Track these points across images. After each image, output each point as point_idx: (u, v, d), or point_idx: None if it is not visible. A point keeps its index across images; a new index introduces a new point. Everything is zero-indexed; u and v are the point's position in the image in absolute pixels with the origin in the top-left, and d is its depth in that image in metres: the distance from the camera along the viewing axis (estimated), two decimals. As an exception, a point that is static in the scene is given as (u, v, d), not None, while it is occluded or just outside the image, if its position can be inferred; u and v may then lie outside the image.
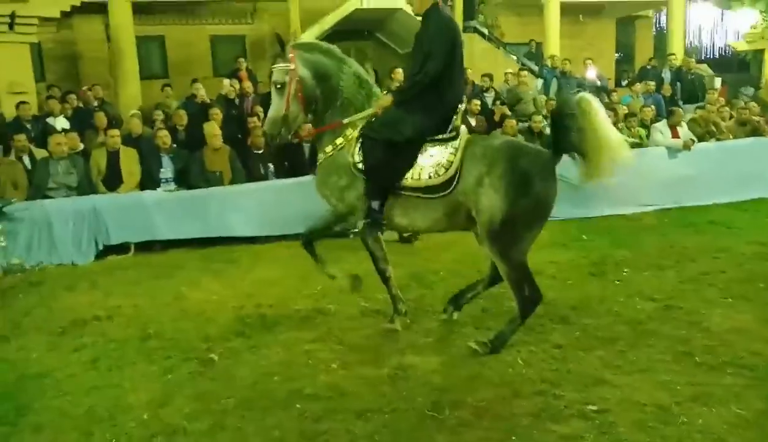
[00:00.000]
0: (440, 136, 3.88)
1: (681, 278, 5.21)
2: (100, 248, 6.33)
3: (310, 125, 4.45)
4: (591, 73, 11.34)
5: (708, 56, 19.81)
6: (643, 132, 8.23)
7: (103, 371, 3.82)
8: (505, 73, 11.30)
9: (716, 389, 3.30)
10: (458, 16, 14.21)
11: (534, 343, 4.00)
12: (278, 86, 3.96)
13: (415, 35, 4.00)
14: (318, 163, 4.15)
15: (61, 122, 7.88)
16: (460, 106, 4.08)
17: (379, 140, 3.83)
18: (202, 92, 8.72)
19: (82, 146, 7.14)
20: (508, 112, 8.44)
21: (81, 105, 8.55)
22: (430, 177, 3.79)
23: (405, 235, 6.34)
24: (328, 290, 5.06)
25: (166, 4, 11.67)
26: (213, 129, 7.06)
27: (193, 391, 3.50)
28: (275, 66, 4.03)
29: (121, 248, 6.48)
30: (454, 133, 3.91)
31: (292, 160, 7.26)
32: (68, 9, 8.34)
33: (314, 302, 4.90)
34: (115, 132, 6.88)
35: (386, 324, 4.25)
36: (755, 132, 8.37)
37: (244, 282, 5.45)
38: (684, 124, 8.03)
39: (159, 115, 8.47)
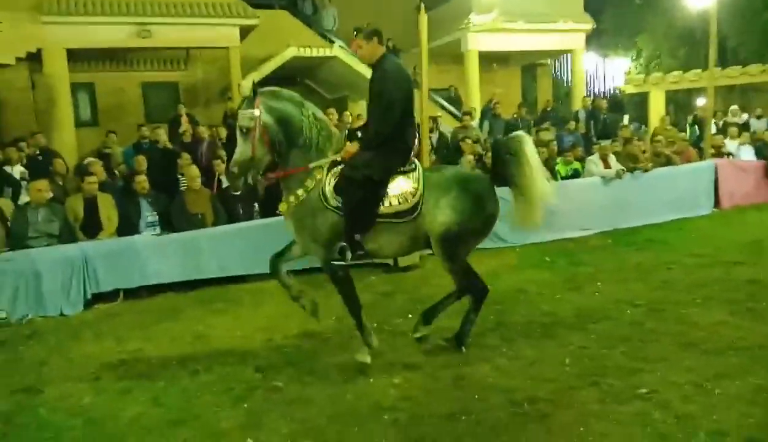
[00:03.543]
0: (402, 169, 4.36)
1: (649, 287, 5.95)
2: (89, 296, 6.14)
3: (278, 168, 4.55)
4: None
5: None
6: (579, 165, 9.20)
7: (170, 407, 3.85)
8: (430, 117, 12.11)
9: (728, 367, 3.95)
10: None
11: (559, 346, 4.52)
12: (244, 131, 4.19)
13: (370, 82, 4.38)
14: (289, 207, 4.34)
15: (18, 170, 7.56)
16: (416, 141, 4.58)
17: (358, 179, 4.21)
18: (163, 138, 8.67)
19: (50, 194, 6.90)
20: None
21: (33, 153, 8.21)
22: (399, 203, 4.27)
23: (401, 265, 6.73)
24: (344, 318, 5.32)
25: (96, 52, 11.43)
26: (193, 172, 7.11)
27: (279, 414, 3.65)
28: (241, 111, 4.25)
29: (107, 296, 6.32)
30: (413, 165, 4.41)
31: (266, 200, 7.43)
32: (24, 55, 8.08)
33: (337, 329, 5.13)
34: (92, 178, 6.74)
35: (356, 356, 4.32)
36: (668, 162, 9.61)
37: (258, 318, 5.55)
38: (613, 155, 9.08)
39: (90, 161, 8.29)
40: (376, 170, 4.21)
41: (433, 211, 4.27)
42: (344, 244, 4.28)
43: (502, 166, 4.48)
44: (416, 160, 4.48)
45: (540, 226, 4.60)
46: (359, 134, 4.53)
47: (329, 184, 4.27)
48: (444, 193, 4.29)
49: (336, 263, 4.32)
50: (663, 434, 3.20)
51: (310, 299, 4.55)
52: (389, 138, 4.25)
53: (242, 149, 4.21)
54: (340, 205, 4.23)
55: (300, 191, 4.28)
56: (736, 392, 3.59)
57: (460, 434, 3.31)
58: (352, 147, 4.31)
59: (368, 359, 4.31)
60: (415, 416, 3.54)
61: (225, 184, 7.63)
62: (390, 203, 4.27)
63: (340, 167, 4.28)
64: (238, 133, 4.24)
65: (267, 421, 3.57)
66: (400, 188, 4.28)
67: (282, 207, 4.40)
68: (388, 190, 4.27)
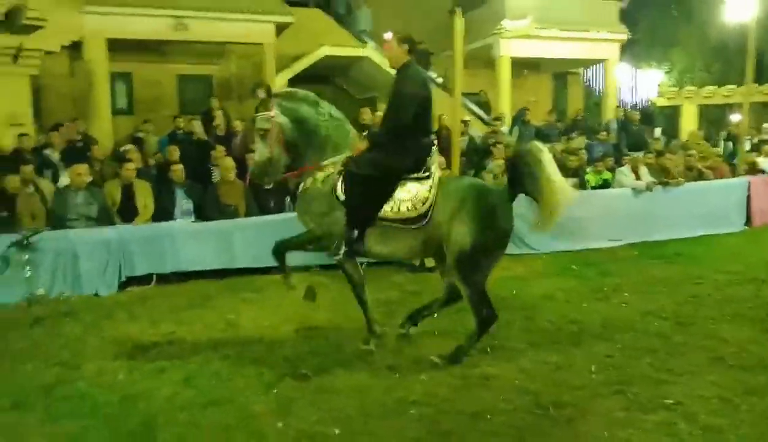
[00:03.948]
0: (416, 175, 4.39)
1: (676, 300, 5.92)
2: (123, 278, 6.31)
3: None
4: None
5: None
6: (609, 175, 9.17)
7: (203, 388, 3.96)
8: (462, 121, 12.16)
9: (756, 384, 3.94)
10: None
11: (585, 354, 4.54)
12: (261, 133, 4.34)
13: (392, 86, 4.44)
14: (299, 192, 4.54)
15: (55, 156, 7.78)
16: (432, 149, 4.55)
17: (361, 175, 4.29)
18: (199, 129, 8.84)
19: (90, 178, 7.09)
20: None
21: (74, 138, 8.44)
22: (408, 210, 4.30)
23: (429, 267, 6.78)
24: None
25: (134, 42, 11.66)
26: (228, 163, 7.25)
27: (308, 401, 3.74)
28: (258, 115, 4.38)
29: (141, 280, 6.49)
30: (428, 173, 4.41)
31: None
32: (68, 43, 8.33)
33: (362, 322, 5.20)
34: (130, 165, 6.92)
35: (362, 345, 4.53)
36: (701, 177, 9.54)
37: (286, 309, 5.63)
38: (644, 167, 9.03)
39: (128, 148, 8.51)
40: (377, 169, 4.28)
41: (448, 223, 4.25)
42: (341, 238, 4.37)
43: (520, 178, 4.40)
44: (433, 168, 4.48)
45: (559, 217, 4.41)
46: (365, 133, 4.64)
47: (340, 177, 4.36)
48: (460, 206, 4.26)
49: (334, 257, 4.43)
50: (688, 444, 3.23)
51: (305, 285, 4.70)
52: (398, 139, 4.30)
53: (260, 151, 4.36)
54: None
55: (310, 180, 4.41)
56: (764, 409, 3.59)
57: (485, 432, 3.36)
58: (362, 144, 4.41)
59: (373, 348, 4.47)
60: (441, 412, 3.60)
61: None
62: (399, 208, 4.29)
63: None
64: (255, 135, 4.38)
65: (296, 408, 3.66)
66: (410, 194, 4.30)
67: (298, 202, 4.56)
68: (397, 195, 4.30)
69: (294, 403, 3.73)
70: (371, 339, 4.59)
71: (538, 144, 4.47)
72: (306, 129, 4.37)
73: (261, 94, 4.42)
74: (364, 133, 4.80)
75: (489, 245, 4.29)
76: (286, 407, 3.67)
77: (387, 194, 4.30)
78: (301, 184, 4.51)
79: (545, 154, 4.33)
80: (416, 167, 4.38)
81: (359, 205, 4.28)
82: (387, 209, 4.30)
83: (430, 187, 4.32)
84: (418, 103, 4.31)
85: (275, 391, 3.90)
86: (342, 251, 4.38)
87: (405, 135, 4.31)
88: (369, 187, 4.26)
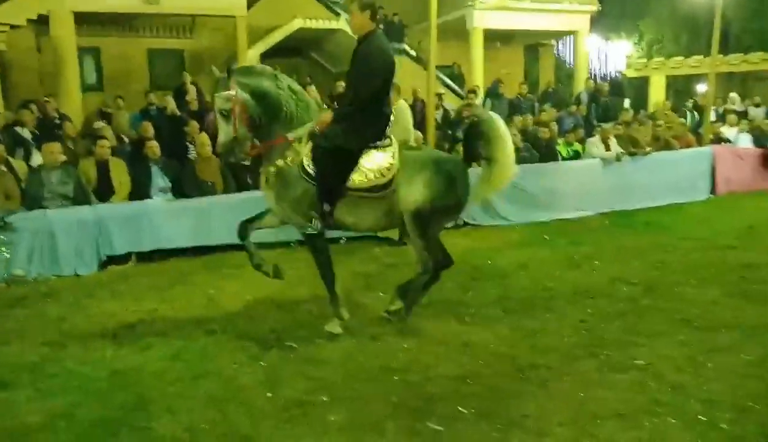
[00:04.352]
0: (379, 143, 4.47)
1: (645, 267, 6.16)
2: (103, 258, 6.31)
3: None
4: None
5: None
6: (580, 146, 9.37)
7: (191, 363, 4.04)
8: (436, 94, 12.23)
9: (720, 343, 4.18)
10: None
11: (558, 319, 4.75)
12: (224, 113, 4.27)
13: (353, 54, 4.47)
14: (269, 176, 4.48)
15: (26, 133, 7.66)
16: (391, 117, 4.70)
17: (329, 148, 4.32)
18: (172, 105, 8.77)
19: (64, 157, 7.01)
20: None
21: (41, 116, 8.30)
22: (375, 177, 4.39)
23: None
24: (352, 288, 5.55)
25: (102, 16, 11.42)
26: (204, 139, 7.23)
27: (294, 371, 3.85)
28: (217, 95, 4.30)
29: (119, 259, 6.48)
30: (389, 141, 4.52)
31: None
32: (35, 17, 8.13)
33: (345, 296, 5.31)
34: (105, 143, 6.86)
35: (326, 327, 4.49)
36: (667, 147, 9.80)
37: (267, 284, 5.62)
38: (613, 138, 9.24)
39: (101, 126, 8.44)
40: (347, 141, 4.32)
41: (407, 187, 4.38)
42: (314, 213, 4.41)
43: (474, 147, 4.59)
44: (392, 137, 4.57)
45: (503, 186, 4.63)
46: (336, 104, 4.61)
47: (307, 154, 4.38)
48: (419, 172, 4.41)
49: (307, 231, 4.45)
50: (658, 400, 3.42)
51: (271, 265, 4.66)
52: (364, 109, 4.34)
53: (225, 131, 4.29)
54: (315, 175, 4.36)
55: (280, 162, 4.38)
56: (728, 367, 3.82)
57: (467, 395, 3.52)
58: (327, 116, 4.43)
59: (339, 330, 4.46)
60: (424, 378, 3.75)
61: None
62: (366, 177, 4.37)
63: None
64: (218, 116, 4.30)
65: (284, 377, 3.77)
66: (375, 163, 4.38)
67: (262, 179, 4.54)
68: (363, 164, 4.37)
69: (281, 373, 3.83)
70: (337, 323, 4.52)
71: (494, 115, 4.64)
72: (268, 104, 4.33)
73: (217, 73, 4.37)
74: (336, 98, 4.78)
75: (446, 208, 4.52)
76: (273, 377, 3.78)
77: (354, 164, 4.37)
78: (269, 166, 4.44)
79: (501, 125, 4.50)
80: (379, 136, 4.47)
81: (330, 177, 4.33)
82: (356, 179, 4.36)
83: (393, 153, 4.42)
84: (386, 70, 4.35)
85: (262, 363, 4.00)
86: (318, 225, 4.40)
87: (372, 105, 4.35)
88: (338, 159, 4.31)
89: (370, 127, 4.40)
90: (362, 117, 4.35)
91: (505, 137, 4.46)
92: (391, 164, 4.39)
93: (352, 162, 4.36)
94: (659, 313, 4.81)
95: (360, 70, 4.34)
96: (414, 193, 4.36)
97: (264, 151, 4.50)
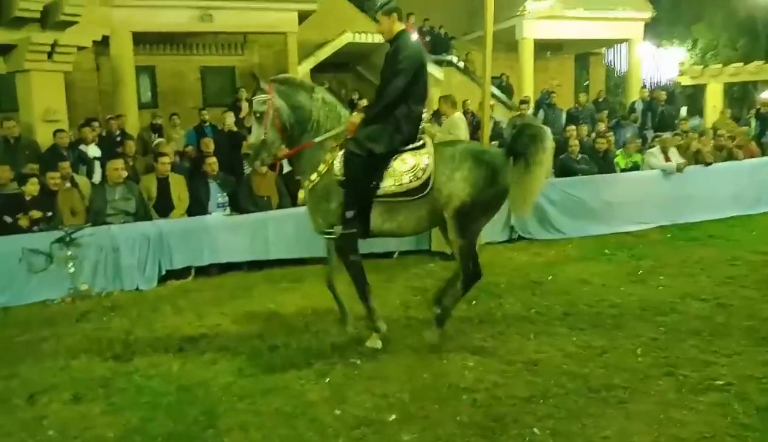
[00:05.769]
0: (412, 146, 4.42)
1: (714, 282, 5.91)
2: (163, 272, 6.43)
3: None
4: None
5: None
6: (639, 157, 9.11)
7: (257, 378, 4.05)
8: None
9: (805, 363, 3.95)
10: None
11: (629, 337, 4.57)
12: (258, 115, 4.37)
13: (385, 56, 4.45)
14: (304, 190, 4.54)
15: (92, 150, 7.91)
16: (423, 117, 4.66)
17: (361, 154, 4.27)
18: (230, 121, 8.94)
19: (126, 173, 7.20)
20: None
21: (103, 134, 8.58)
22: (410, 181, 4.32)
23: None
24: (410, 302, 5.52)
25: (158, 35, 11.78)
26: (260, 156, 7.30)
27: (361, 389, 3.81)
28: (255, 98, 4.43)
29: (178, 273, 6.60)
30: (422, 142, 4.46)
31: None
32: (99, 39, 8.45)
33: (403, 312, 5.29)
34: (165, 159, 7.02)
35: (368, 343, 4.48)
36: (730, 156, 9.44)
37: (327, 299, 5.66)
38: (674, 149, 8.96)
39: (160, 141, 8.66)
40: (379, 145, 4.30)
41: (448, 184, 4.32)
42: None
43: (521, 146, 4.39)
44: (425, 137, 4.53)
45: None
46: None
47: (339, 160, 4.36)
48: (459, 166, 4.34)
49: (326, 236, 4.45)
50: (744, 424, 3.25)
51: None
52: (392, 110, 4.31)
53: (256, 133, 4.40)
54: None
55: (314, 176, 4.40)
56: (815, 388, 3.60)
57: (540, 416, 3.41)
58: (356, 117, 4.43)
59: (379, 345, 4.43)
60: (493, 397, 3.65)
61: (287, 168, 7.81)
62: (401, 181, 4.32)
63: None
64: (252, 118, 4.42)
65: (350, 395, 3.73)
66: (409, 166, 4.34)
67: (301, 195, 4.58)
68: (396, 168, 4.33)
69: (347, 390, 3.80)
70: (376, 337, 4.49)
71: (547, 130, 4.56)
72: (301, 114, 4.40)
73: (260, 80, 4.52)
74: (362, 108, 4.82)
75: (488, 202, 4.42)
76: (340, 394, 3.75)
77: (385, 168, 4.34)
78: (303, 182, 4.51)
79: (550, 141, 4.43)
80: (411, 138, 4.43)
81: (359, 182, 4.30)
82: (390, 184, 4.33)
83: (427, 154, 4.37)
84: (413, 71, 4.32)
85: (327, 379, 3.97)
86: (339, 229, 4.35)
87: (402, 106, 4.32)
88: (369, 164, 4.28)
89: (400, 130, 4.37)
90: (392, 119, 4.33)
91: (549, 148, 4.40)
92: (427, 165, 4.34)
93: (381, 166, 4.34)
94: (736, 331, 4.59)
95: (388, 67, 4.36)
96: (455, 190, 4.30)
97: (291, 157, 4.57)
